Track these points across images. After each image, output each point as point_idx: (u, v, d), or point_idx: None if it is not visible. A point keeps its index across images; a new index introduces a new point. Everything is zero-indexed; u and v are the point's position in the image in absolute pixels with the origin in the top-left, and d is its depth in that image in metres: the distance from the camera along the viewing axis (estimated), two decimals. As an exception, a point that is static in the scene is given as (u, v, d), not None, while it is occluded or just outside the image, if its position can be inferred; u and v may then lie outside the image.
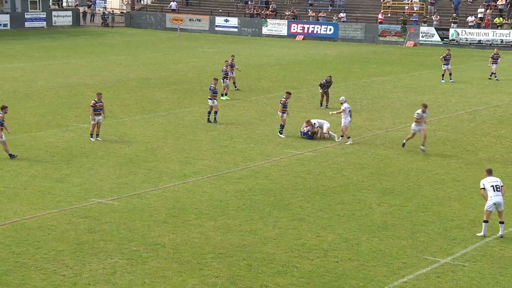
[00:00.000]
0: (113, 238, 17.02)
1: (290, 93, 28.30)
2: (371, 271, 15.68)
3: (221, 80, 35.54)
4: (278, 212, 19.32)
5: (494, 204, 17.55)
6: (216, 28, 72.00)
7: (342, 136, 27.23)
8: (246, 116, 31.68)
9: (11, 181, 21.25)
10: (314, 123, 27.67)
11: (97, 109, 26.03)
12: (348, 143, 26.68)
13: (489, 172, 18.03)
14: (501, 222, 17.82)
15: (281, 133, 27.88)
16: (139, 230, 17.62)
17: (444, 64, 42.27)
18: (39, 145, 25.42)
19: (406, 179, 22.75)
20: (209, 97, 29.75)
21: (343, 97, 27.61)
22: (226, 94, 35.72)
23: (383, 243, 17.33)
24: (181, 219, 18.47)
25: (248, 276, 15.28)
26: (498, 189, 17.60)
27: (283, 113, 27.72)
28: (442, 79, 42.22)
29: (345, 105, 26.62)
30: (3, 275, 14.78)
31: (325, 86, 34.01)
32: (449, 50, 43.70)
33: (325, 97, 34.08)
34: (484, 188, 17.77)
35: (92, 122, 26.12)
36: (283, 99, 27.84)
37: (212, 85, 29.61)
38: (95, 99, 26.26)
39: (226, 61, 37.31)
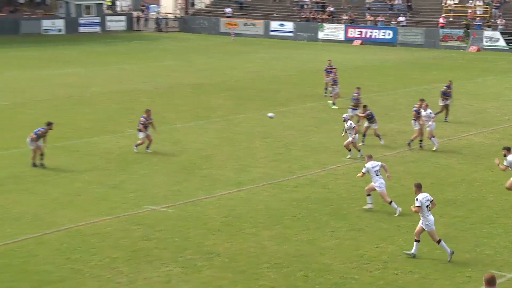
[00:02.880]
0: (168, 246, 17.22)
1: (423, 100, 27.77)
2: (433, 285, 15.52)
3: (330, 88, 35.65)
4: (336, 222, 19.27)
5: (429, 224, 16.82)
6: (271, 33, 72.22)
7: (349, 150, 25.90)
8: (301, 123, 31.70)
9: (66, 187, 21.69)
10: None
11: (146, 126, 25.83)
12: (348, 156, 25.78)
13: (419, 188, 17.10)
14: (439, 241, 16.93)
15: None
16: (193, 238, 17.79)
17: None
18: (93, 151, 25.88)
19: (469, 190, 22.46)
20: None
21: (347, 114, 26.80)
22: (334, 104, 35.27)
23: (445, 255, 17.12)
24: (236, 227, 18.58)
25: (305, 287, 15.29)
26: (429, 209, 16.86)
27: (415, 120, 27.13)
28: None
29: (349, 123, 25.61)
30: (59, 281, 15.10)
31: (446, 94, 32.14)
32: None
33: (445, 110, 32.16)
34: (420, 206, 16.78)
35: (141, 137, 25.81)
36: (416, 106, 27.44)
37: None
38: (144, 116, 26.01)
39: (334, 69, 36.78)
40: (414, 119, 27.09)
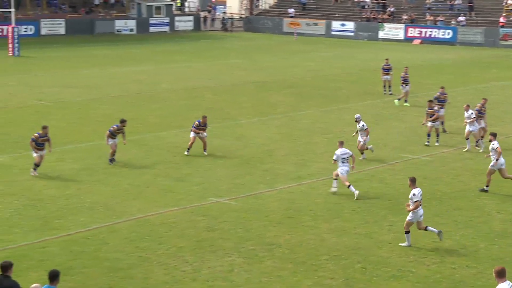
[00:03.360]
0: (231, 236, 17.29)
1: (485, 99, 27.31)
2: (489, 280, 15.15)
3: (400, 86, 35.00)
4: (393, 216, 19.04)
5: (421, 216, 17.05)
6: (332, 32, 71.81)
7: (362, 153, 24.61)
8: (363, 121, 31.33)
9: (135, 179, 21.96)
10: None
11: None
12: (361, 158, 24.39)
13: (414, 182, 17.24)
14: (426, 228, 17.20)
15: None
16: (255, 229, 17.81)
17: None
18: (161, 145, 26.16)
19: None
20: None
21: (359, 115, 25.19)
22: (406, 101, 34.78)
23: (503, 251, 16.77)
24: (296, 220, 18.52)
25: (363, 279, 15.15)
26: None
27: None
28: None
29: (361, 124, 24.44)
30: (128, 268, 15.31)
31: None
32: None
33: None
34: (419, 200, 16.91)
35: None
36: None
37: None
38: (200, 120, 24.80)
39: (405, 67, 35.63)
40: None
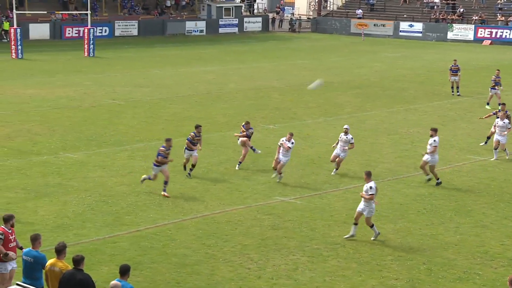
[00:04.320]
0: (295, 235, 17.25)
1: None
2: (558, 284, 14.72)
3: (489, 89, 33.98)
4: (460, 218, 18.69)
5: (372, 211, 17.08)
6: (400, 33, 70.91)
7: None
8: (428, 121, 30.89)
9: (203, 177, 22.12)
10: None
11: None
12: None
13: (370, 175, 17.26)
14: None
15: None
16: (320, 229, 17.73)
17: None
18: (228, 144, 26.28)
19: None
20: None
21: (348, 126, 23.04)
22: (488, 104, 33.90)
23: None
24: (360, 220, 18.34)
25: (428, 280, 14.91)
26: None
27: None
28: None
29: (349, 136, 22.43)
30: (195, 264, 15.45)
31: None
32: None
33: None
34: (374, 194, 17.00)
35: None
36: None
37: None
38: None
39: (497, 70, 34.26)
40: None
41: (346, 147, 22.38)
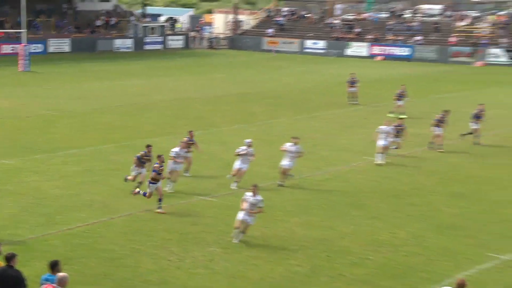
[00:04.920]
0: (213, 230, 17.30)
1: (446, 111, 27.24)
2: (436, 265, 15.35)
3: (395, 101, 34.55)
4: (355, 211, 19.16)
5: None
6: (306, 50, 71.98)
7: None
8: (328, 127, 31.53)
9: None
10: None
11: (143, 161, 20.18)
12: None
13: (257, 188, 16.42)
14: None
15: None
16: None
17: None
18: (154, 150, 25.97)
19: (474, 185, 22.12)
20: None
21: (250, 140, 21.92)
22: (392, 112, 34.10)
23: (449, 240, 16.95)
24: (270, 215, 18.55)
25: (327, 266, 15.25)
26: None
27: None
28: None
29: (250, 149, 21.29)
30: (121, 258, 15.30)
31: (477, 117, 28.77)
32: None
33: None
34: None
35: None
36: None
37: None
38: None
39: (402, 85, 35.25)
40: (435, 126, 26.70)
41: (247, 160, 21.19)
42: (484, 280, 14.57)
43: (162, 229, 17.27)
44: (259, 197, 16.43)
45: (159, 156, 18.92)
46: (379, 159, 24.45)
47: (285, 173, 21.56)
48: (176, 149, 20.96)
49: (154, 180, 18.50)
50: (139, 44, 72.17)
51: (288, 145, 21.71)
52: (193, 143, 22.66)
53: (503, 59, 60.25)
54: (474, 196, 20.86)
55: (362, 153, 26.41)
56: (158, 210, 18.45)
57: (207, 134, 27.96)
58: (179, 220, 17.99)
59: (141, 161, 20.20)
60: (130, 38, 72.31)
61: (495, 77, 52.33)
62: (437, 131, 26.70)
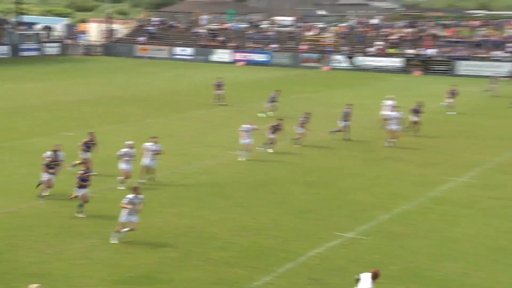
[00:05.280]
0: (91, 223, 16.84)
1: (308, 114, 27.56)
2: (293, 245, 15.88)
3: (267, 103, 34.60)
4: (222, 201, 19.36)
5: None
6: (175, 56, 71.55)
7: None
8: (198, 126, 31.56)
9: (10, 176, 20.69)
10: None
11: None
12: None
13: (135, 190, 15.64)
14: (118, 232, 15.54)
15: None
16: (113, 216, 17.36)
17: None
18: (30, 149, 24.80)
19: (324, 174, 23.04)
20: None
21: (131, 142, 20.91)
22: (268, 112, 34.26)
23: (303, 223, 17.57)
24: (146, 207, 18.25)
25: (198, 251, 15.31)
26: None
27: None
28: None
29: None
30: (1, 253, 14.47)
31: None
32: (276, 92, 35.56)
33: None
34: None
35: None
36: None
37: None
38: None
39: (276, 91, 35.41)
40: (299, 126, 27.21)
41: (131, 159, 20.21)
42: (331, 256, 15.26)
43: (43, 224, 16.55)
44: (141, 196, 15.86)
45: (84, 163, 18.51)
46: (242, 156, 24.78)
47: (146, 171, 21.11)
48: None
49: (81, 186, 17.37)
50: (15, 50, 68.31)
51: (148, 145, 21.12)
52: (93, 143, 21.80)
53: (345, 64, 63.32)
54: (324, 184, 21.75)
55: (228, 148, 26.69)
56: (79, 215, 17.19)
57: (84, 134, 26.96)
58: (59, 215, 17.29)
59: (49, 167, 18.93)
60: (7, 44, 68.28)
61: (339, 80, 54.83)
62: (300, 130, 27.44)
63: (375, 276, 11.79)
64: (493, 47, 58.34)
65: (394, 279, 14.04)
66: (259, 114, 34.75)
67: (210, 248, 15.50)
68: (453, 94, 36.89)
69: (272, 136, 25.94)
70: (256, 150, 25.53)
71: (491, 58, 56.72)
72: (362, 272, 12.23)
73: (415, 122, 29.97)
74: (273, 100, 35.56)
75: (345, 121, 28.91)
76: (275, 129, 26.04)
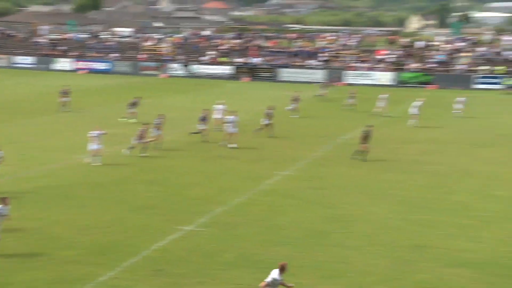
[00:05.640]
0: None
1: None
2: (136, 240, 15.48)
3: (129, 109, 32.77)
4: (67, 202, 18.29)
5: None
6: (16, 65, 66.42)
7: None
8: (40, 131, 29.53)
9: None
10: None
11: None
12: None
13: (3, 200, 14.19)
14: None
15: None
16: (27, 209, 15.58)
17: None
18: None
19: (165, 172, 22.68)
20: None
21: None
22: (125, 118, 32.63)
23: (146, 218, 17.20)
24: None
25: (41, 252, 14.29)
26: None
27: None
28: None
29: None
30: None
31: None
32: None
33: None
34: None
35: None
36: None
37: None
38: None
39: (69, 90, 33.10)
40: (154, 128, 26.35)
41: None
42: (173, 248, 15.07)
43: None
44: (8, 207, 14.22)
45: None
46: (93, 162, 23.22)
47: None
48: None
49: None
50: None
51: None
52: None
53: (181, 72, 63.33)
54: (164, 181, 21.44)
55: (72, 152, 25.30)
56: None
57: None
58: None
59: None
60: None
61: (176, 86, 54.62)
62: (156, 132, 26.61)
63: (282, 269, 11.65)
64: (308, 57, 62.00)
65: (230, 265, 14.21)
66: (120, 119, 33.48)
67: (53, 248, 14.54)
68: (296, 100, 37.88)
69: (140, 141, 24.97)
70: (123, 153, 24.54)
71: (306, 66, 60.20)
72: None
73: (267, 125, 30.52)
74: (133, 105, 34.51)
75: (203, 124, 28.82)
76: (143, 134, 25.14)
